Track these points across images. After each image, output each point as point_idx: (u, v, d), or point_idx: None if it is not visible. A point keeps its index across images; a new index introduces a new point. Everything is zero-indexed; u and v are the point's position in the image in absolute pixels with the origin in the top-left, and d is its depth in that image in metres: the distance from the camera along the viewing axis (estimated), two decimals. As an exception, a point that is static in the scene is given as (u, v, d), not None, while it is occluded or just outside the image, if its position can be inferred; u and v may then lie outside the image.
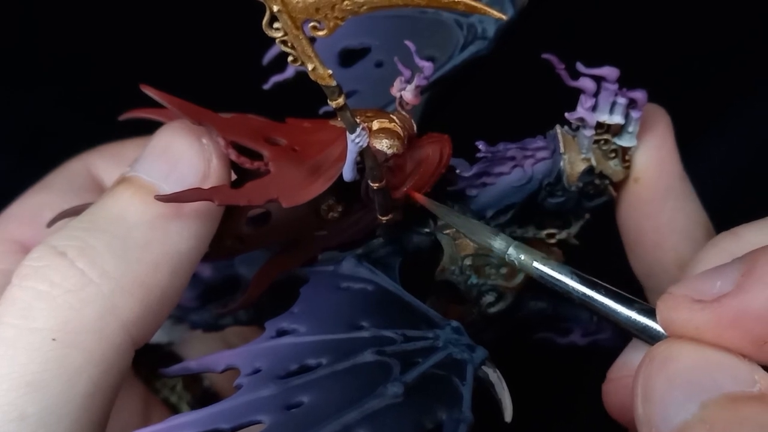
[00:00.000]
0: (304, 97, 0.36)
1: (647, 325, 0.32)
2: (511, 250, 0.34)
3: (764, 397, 0.27)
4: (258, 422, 0.30)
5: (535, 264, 0.34)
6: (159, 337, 0.46)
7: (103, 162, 0.45)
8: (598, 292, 0.33)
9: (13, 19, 0.67)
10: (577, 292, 0.33)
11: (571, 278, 0.33)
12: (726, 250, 0.32)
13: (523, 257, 0.34)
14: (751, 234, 0.33)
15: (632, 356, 0.34)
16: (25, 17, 0.68)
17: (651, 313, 0.31)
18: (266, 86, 0.43)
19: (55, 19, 0.67)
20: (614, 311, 0.32)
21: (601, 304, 0.32)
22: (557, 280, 0.33)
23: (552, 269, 0.33)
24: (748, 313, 0.28)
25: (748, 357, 0.28)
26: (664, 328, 0.31)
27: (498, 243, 0.35)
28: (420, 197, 0.37)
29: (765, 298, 0.28)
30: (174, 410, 0.45)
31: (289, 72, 0.43)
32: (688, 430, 0.27)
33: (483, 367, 0.32)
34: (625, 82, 0.36)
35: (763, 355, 0.28)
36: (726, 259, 0.30)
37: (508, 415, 0.32)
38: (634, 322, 0.32)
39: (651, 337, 0.31)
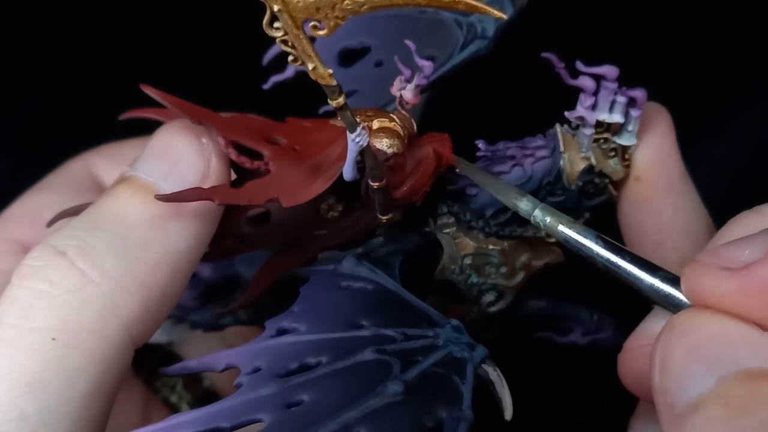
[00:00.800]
0: (304, 97, 0.36)
1: (670, 294, 0.31)
2: (537, 212, 0.34)
3: None
4: (258, 421, 0.30)
5: (561, 227, 0.33)
6: (159, 337, 0.46)
7: (103, 162, 0.45)
8: (623, 257, 0.32)
9: (13, 19, 0.67)
10: (602, 257, 0.33)
11: (596, 243, 0.33)
12: (749, 225, 0.32)
13: (548, 220, 0.34)
14: None
15: (651, 326, 0.33)
16: (25, 17, 0.68)
17: (674, 282, 0.31)
18: (266, 86, 0.43)
19: (55, 19, 0.67)
20: (638, 278, 0.32)
21: (625, 270, 0.32)
22: (582, 244, 0.33)
23: (578, 233, 0.33)
24: None
25: None
26: (687, 296, 0.30)
27: (524, 204, 0.34)
28: (450, 156, 0.36)
29: None
30: (174, 410, 0.45)
31: (289, 72, 0.43)
32: (703, 404, 0.27)
33: (483, 365, 0.32)
34: (625, 82, 0.36)
35: None
36: (750, 233, 0.30)
37: (508, 414, 0.32)
38: (657, 290, 0.32)
39: (673, 306, 0.31)
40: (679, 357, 0.28)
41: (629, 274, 0.32)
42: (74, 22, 0.66)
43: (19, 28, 0.68)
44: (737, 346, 0.28)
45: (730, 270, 0.29)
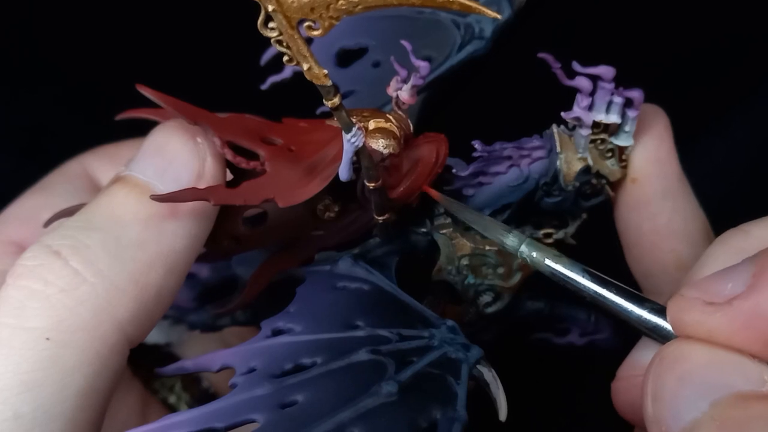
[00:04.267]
0: (301, 97, 0.36)
1: (658, 324, 0.32)
2: (524, 248, 0.34)
3: None
4: (252, 421, 0.30)
5: (547, 261, 0.34)
6: (157, 338, 0.46)
7: (101, 163, 0.45)
8: (610, 290, 0.33)
9: (13, 19, 0.67)
10: (589, 290, 0.33)
11: (583, 276, 0.33)
12: (734, 248, 0.32)
13: (535, 254, 0.34)
14: (759, 230, 0.32)
15: (642, 355, 0.33)
16: (25, 17, 0.68)
17: (662, 312, 0.31)
18: (264, 86, 0.43)
19: (55, 19, 0.67)
20: (625, 310, 0.32)
21: (613, 302, 0.32)
22: (569, 277, 0.33)
23: (564, 267, 0.33)
24: (761, 315, 0.28)
25: (759, 357, 0.28)
26: (674, 330, 0.31)
27: (510, 240, 0.35)
28: (434, 192, 0.37)
29: None
30: (173, 411, 0.45)
31: (287, 72, 0.43)
32: (698, 428, 0.27)
33: (478, 366, 0.32)
34: (626, 82, 0.36)
35: None
36: (735, 256, 0.30)
37: (502, 414, 0.32)
38: (645, 321, 0.32)
39: (662, 336, 0.31)
40: (670, 386, 0.29)
41: (617, 306, 0.32)
42: (74, 23, 0.66)
43: (19, 28, 0.68)
44: (728, 371, 0.28)
45: (714, 305, 0.29)
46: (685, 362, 0.29)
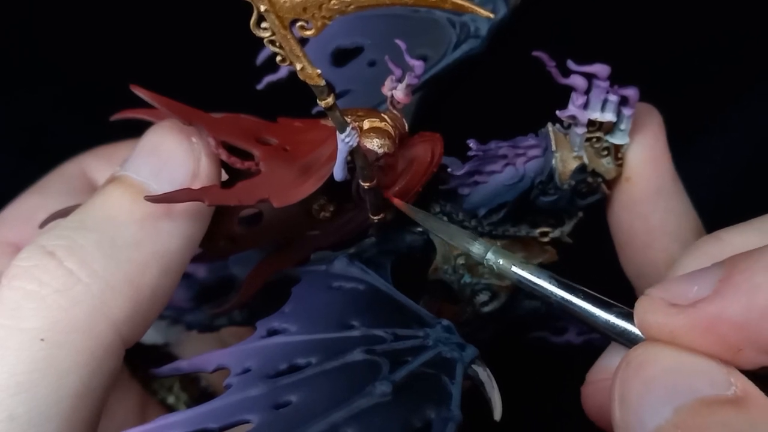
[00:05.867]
0: (297, 97, 0.36)
1: (626, 329, 0.32)
2: (490, 255, 0.34)
3: (738, 401, 0.27)
4: (246, 422, 0.30)
5: (514, 268, 0.34)
6: (155, 339, 0.46)
7: (98, 163, 0.45)
8: (577, 296, 0.33)
9: (13, 19, 0.68)
10: (556, 296, 0.33)
11: (550, 282, 0.33)
12: (708, 254, 0.32)
13: (501, 261, 0.34)
14: (733, 238, 0.33)
15: (611, 359, 0.34)
16: (25, 17, 0.68)
17: (629, 317, 0.31)
18: (259, 86, 0.43)
19: (55, 19, 0.67)
20: (593, 315, 0.32)
21: (580, 307, 0.33)
22: (536, 284, 0.34)
23: (530, 273, 0.34)
24: (724, 320, 0.28)
25: (724, 361, 0.28)
26: (640, 330, 0.31)
27: (476, 248, 0.35)
28: (398, 202, 0.37)
29: (741, 306, 0.27)
30: (171, 411, 0.45)
31: (283, 72, 0.42)
32: None
33: (473, 365, 0.32)
34: (622, 81, 0.36)
35: (738, 361, 0.28)
36: (707, 263, 0.30)
37: (497, 414, 0.32)
38: (613, 326, 0.32)
39: (629, 341, 0.31)
40: (636, 390, 0.29)
41: (584, 311, 0.33)
42: (74, 23, 0.66)
43: (19, 28, 0.68)
44: (692, 376, 0.28)
45: (678, 306, 0.29)
46: (651, 366, 0.29)
